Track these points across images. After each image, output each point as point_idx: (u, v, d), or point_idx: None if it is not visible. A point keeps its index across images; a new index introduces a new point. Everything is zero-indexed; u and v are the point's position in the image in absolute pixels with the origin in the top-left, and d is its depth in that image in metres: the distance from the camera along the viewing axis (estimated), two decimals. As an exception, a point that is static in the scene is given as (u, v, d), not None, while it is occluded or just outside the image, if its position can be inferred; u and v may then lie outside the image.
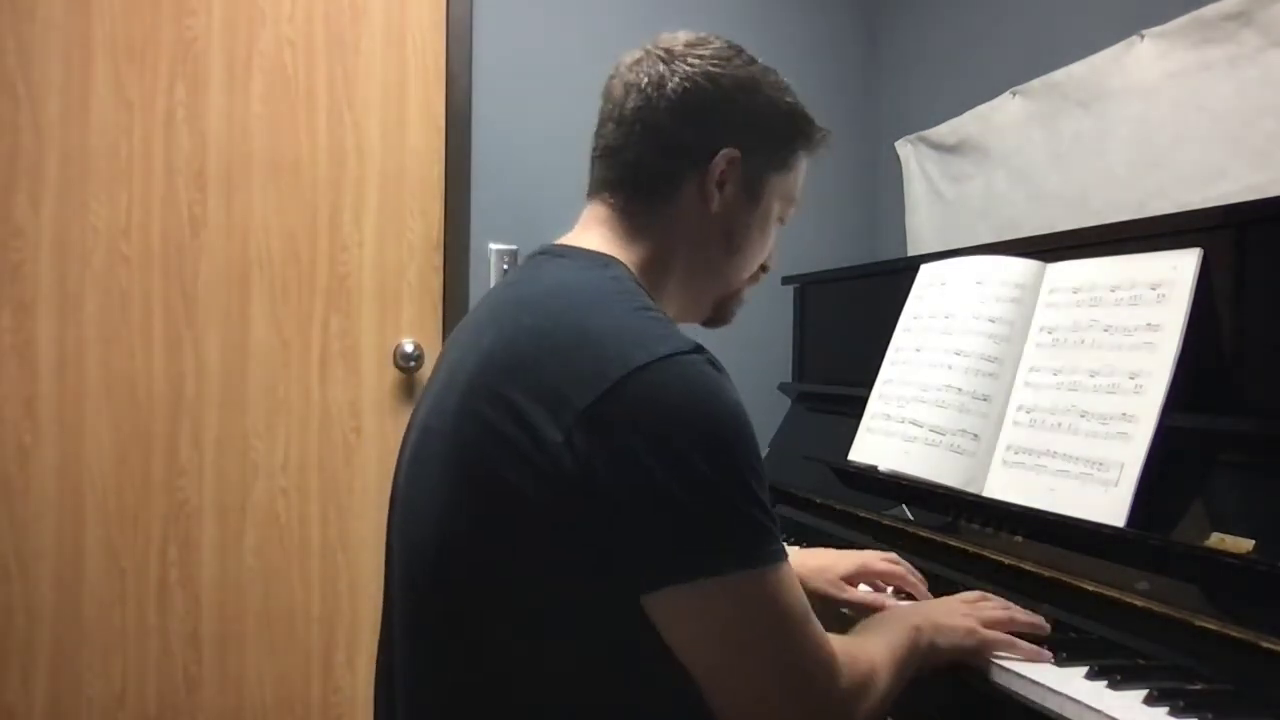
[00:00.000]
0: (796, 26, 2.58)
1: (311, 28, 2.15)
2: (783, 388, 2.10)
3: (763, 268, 1.05)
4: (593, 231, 0.95)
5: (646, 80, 0.93)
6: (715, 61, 0.95)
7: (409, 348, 2.18)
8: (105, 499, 2.03)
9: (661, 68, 0.93)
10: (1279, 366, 1.04)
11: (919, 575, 1.22)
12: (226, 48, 2.10)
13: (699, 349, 0.80)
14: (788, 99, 0.99)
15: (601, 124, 0.98)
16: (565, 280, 0.87)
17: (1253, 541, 0.92)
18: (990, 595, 1.07)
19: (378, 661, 0.97)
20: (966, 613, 1.00)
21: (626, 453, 0.74)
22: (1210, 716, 0.79)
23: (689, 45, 0.96)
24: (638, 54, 0.97)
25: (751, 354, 2.43)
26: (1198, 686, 0.87)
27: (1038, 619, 1.02)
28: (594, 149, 0.98)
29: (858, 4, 2.65)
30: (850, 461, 1.52)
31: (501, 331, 0.84)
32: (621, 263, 0.91)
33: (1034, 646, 0.97)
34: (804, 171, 1.03)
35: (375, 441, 2.19)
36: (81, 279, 2.02)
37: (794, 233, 2.54)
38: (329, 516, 2.17)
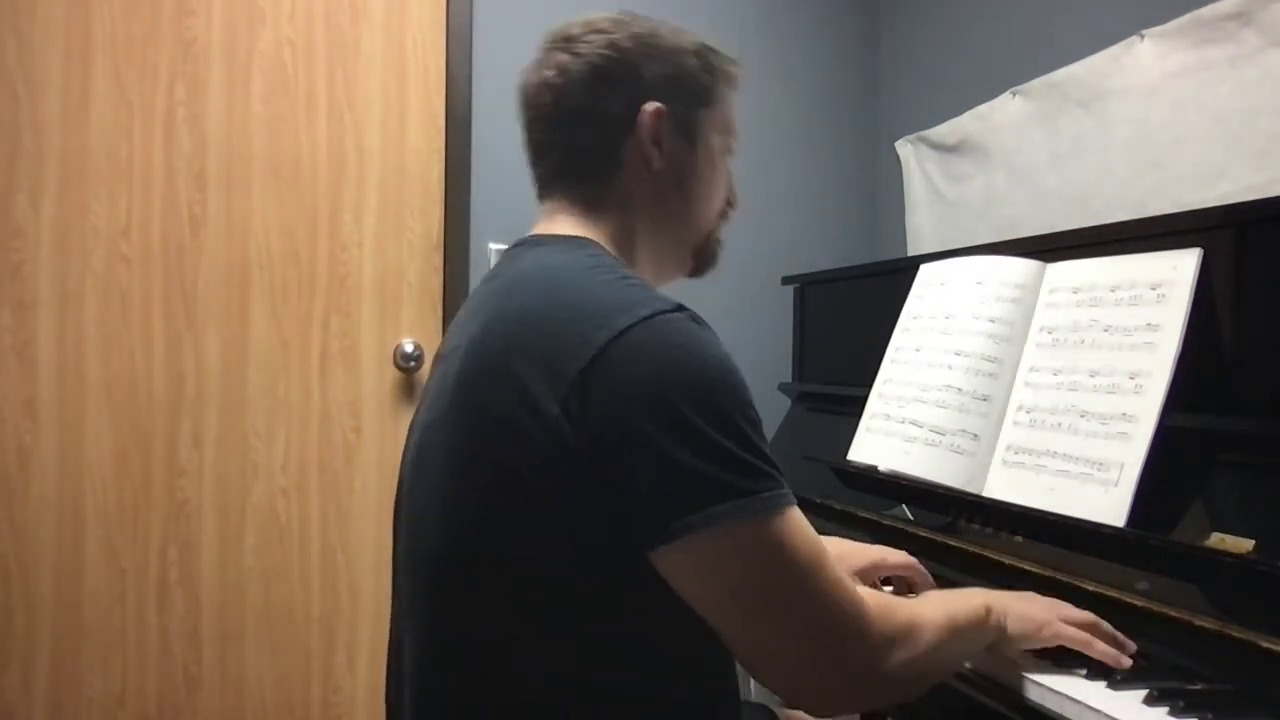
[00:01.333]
0: (797, 27, 2.58)
1: (311, 28, 2.15)
2: (783, 388, 2.10)
3: (729, 204, 1.07)
4: (556, 222, 0.97)
5: (554, 73, 0.96)
6: (611, 30, 0.96)
7: (409, 348, 2.18)
8: (105, 499, 2.03)
9: (562, 56, 0.96)
10: (1279, 366, 1.04)
11: (929, 577, 1.21)
12: (226, 48, 2.10)
13: (681, 307, 0.81)
14: (690, 39, 0.99)
15: (527, 130, 1.00)
16: (543, 262, 0.90)
17: (1253, 541, 0.92)
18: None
19: (388, 665, 0.98)
20: (1049, 607, 0.98)
21: (619, 414, 0.75)
22: (1210, 716, 0.79)
23: (583, 26, 0.98)
24: (538, 55, 0.99)
25: (751, 354, 2.43)
26: (1198, 686, 0.87)
27: (1125, 643, 0.96)
28: (528, 156, 1.01)
29: (858, 4, 2.65)
30: (850, 461, 1.52)
31: (488, 319, 0.86)
32: (593, 241, 0.93)
33: (1113, 650, 0.93)
34: (732, 102, 1.03)
35: (375, 441, 2.19)
36: (81, 279, 2.02)
37: (794, 233, 2.57)
38: (329, 516, 2.17)
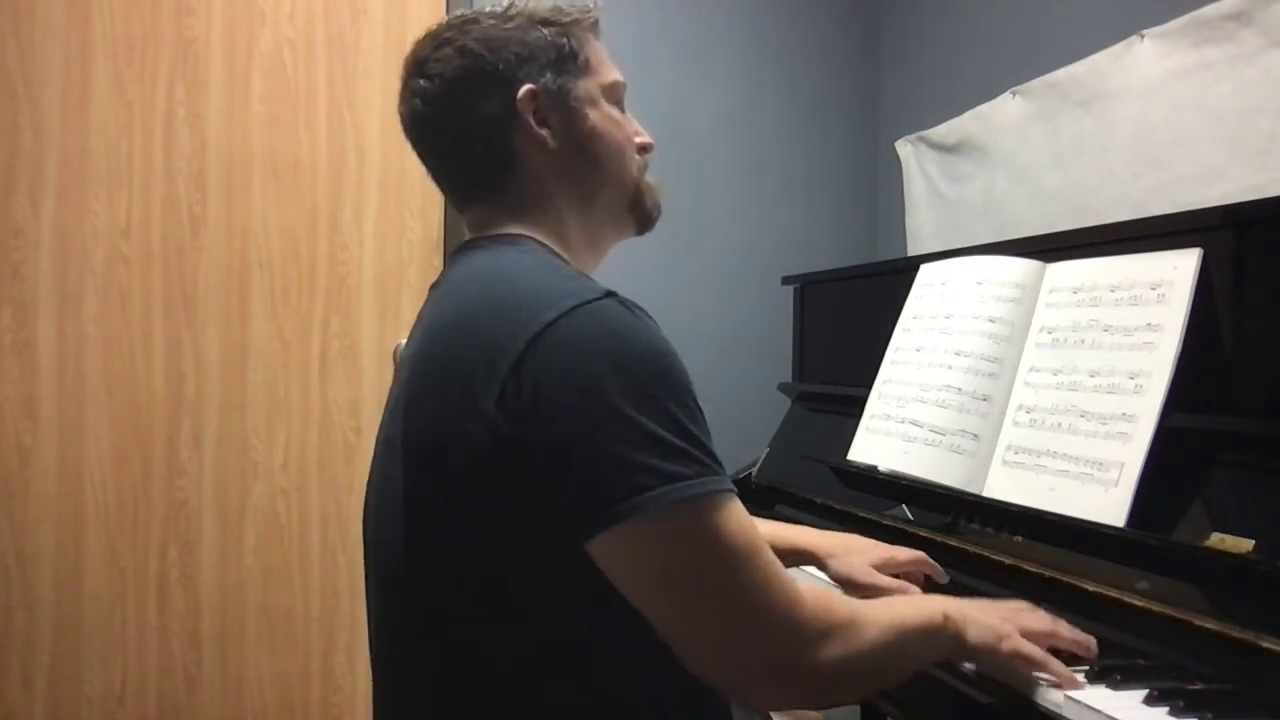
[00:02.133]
0: (797, 27, 2.58)
1: (311, 28, 2.15)
2: (783, 388, 2.09)
3: (642, 148, 1.04)
4: (488, 227, 0.97)
5: (418, 99, 0.97)
6: (454, 39, 0.96)
7: (409, 348, 2.18)
8: (105, 499, 2.03)
9: (421, 82, 0.97)
10: (1279, 366, 1.04)
11: (940, 570, 1.20)
12: (226, 48, 2.10)
13: (610, 294, 0.81)
14: (529, 17, 0.98)
15: (423, 160, 1.01)
16: (476, 266, 0.91)
17: (1253, 541, 0.92)
18: (1039, 609, 0.98)
19: (371, 669, 1.00)
20: (1007, 617, 0.92)
21: (550, 405, 0.75)
22: (1210, 716, 0.79)
23: (427, 43, 0.99)
24: (399, 87, 1.00)
25: (751, 354, 2.44)
26: (1198, 686, 0.87)
27: (1085, 638, 0.93)
28: (434, 180, 1.02)
29: (858, 4, 2.65)
30: (850, 461, 1.52)
31: (429, 328, 0.89)
32: (526, 236, 0.94)
33: (1067, 671, 0.88)
34: (597, 48, 1.02)
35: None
36: (81, 279, 2.02)
37: (794, 233, 2.57)
38: (329, 516, 2.17)
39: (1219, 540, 0.95)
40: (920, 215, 2.41)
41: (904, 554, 1.20)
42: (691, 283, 2.46)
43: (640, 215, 1.04)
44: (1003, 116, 2.09)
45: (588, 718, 0.83)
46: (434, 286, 0.99)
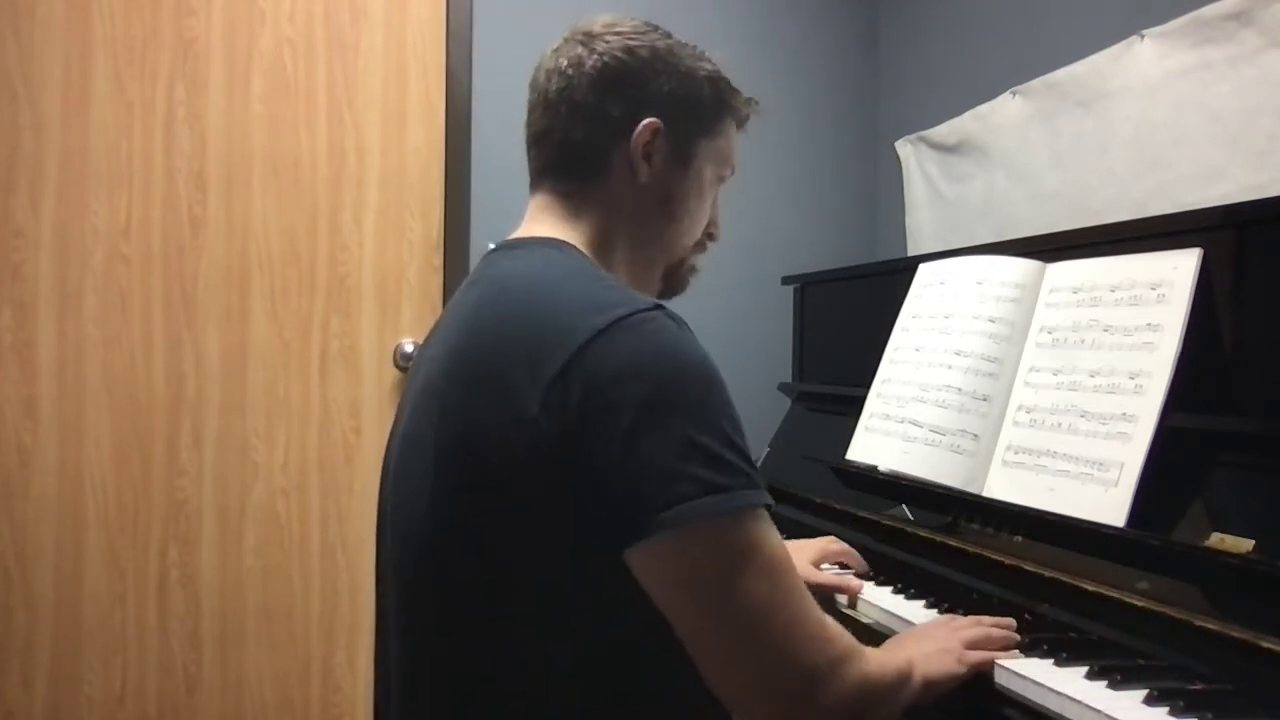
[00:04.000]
0: (797, 27, 2.58)
1: (311, 28, 2.15)
2: (783, 388, 2.10)
3: (709, 235, 1.06)
4: (539, 221, 0.97)
5: (566, 63, 0.96)
6: (632, 36, 0.96)
7: (409, 348, 2.18)
8: (105, 499, 2.03)
9: (580, 49, 0.96)
10: (1279, 366, 1.04)
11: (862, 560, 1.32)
12: (226, 48, 2.10)
13: (659, 306, 0.82)
14: (707, 66, 1.00)
15: (530, 113, 1.00)
16: (518, 269, 0.90)
17: (1253, 541, 0.92)
18: (957, 616, 1.05)
19: (375, 672, 0.99)
20: (949, 634, 0.98)
21: (596, 414, 0.76)
22: (1210, 716, 0.79)
23: (606, 26, 0.98)
24: (558, 43, 0.99)
25: (751, 354, 2.44)
26: (1198, 686, 0.87)
27: (1005, 620, 1.02)
28: (526, 139, 1.01)
29: (858, 4, 2.65)
30: (850, 461, 1.52)
31: (467, 328, 0.87)
32: (571, 244, 0.93)
33: (1007, 640, 0.98)
34: (735, 137, 1.04)
35: (375, 441, 2.19)
36: (81, 279, 2.02)
37: (794, 233, 2.57)
38: (329, 516, 2.17)
39: (1219, 540, 0.95)
40: (920, 215, 2.41)
41: (834, 545, 1.32)
42: (691, 283, 2.46)
43: (670, 284, 1.06)
44: (1003, 116, 2.09)
45: None
46: (467, 285, 0.97)
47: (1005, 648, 0.98)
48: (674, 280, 1.06)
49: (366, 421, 2.18)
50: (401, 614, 0.90)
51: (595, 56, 0.94)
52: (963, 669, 0.94)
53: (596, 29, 0.97)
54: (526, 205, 1.01)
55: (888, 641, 1.01)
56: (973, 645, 0.97)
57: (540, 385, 0.77)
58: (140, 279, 2.05)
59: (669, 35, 1.00)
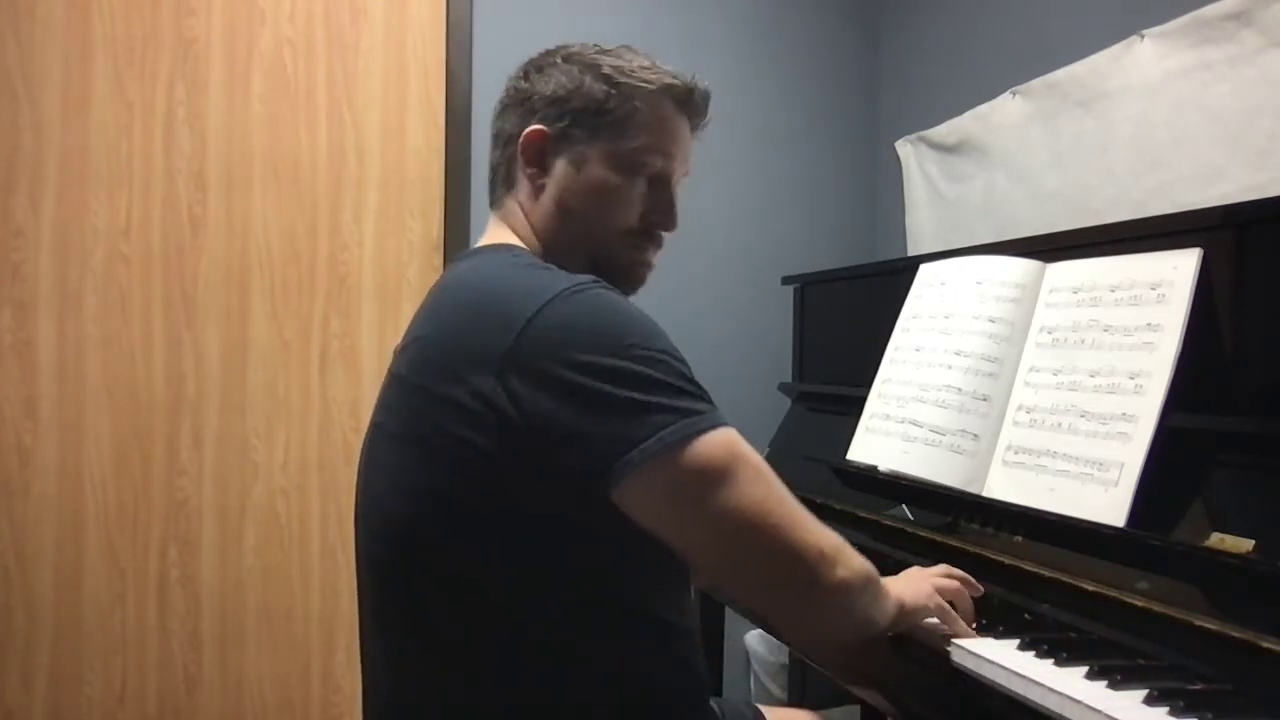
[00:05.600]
0: (797, 27, 2.58)
1: (311, 28, 2.15)
2: (783, 388, 2.09)
3: (656, 225, 1.03)
4: (489, 234, 1.06)
5: (503, 93, 1.06)
6: (535, 60, 1.04)
7: (409, 348, 2.18)
8: (105, 499, 2.03)
9: (509, 79, 1.06)
10: (1279, 366, 1.04)
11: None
12: (226, 48, 2.10)
13: (596, 281, 0.88)
14: (600, 64, 1.00)
15: None
16: (472, 265, 0.98)
17: (1253, 541, 0.92)
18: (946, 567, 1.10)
19: (361, 663, 1.04)
20: (923, 576, 1.05)
21: (547, 378, 0.81)
22: (1210, 716, 0.79)
23: (541, 51, 1.05)
24: None
25: (751, 354, 2.44)
26: (1198, 686, 0.87)
27: (974, 585, 1.07)
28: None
29: (858, 5, 2.65)
30: (850, 461, 1.52)
31: (427, 323, 0.94)
32: (518, 245, 1.01)
33: (966, 628, 1.02)
34: (656, 123, 1.00)
35: (375, 441, 2.19)
36: (81, 279, 2.02)
37: (794, 233, 2.57)
38: (329, 516, 2.17)
39: (1219, 540, 0.95)
40: (920, 215, 2.41)
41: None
42: (691, 283, 2.46)
43: (610, 279, 0.99)
44: (1003, 116, 2.09)
45: (565, 702, 0.86)
46: (433, 288, 1.03)
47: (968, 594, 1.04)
48: (611, 274, 1.00)
49: (366, 421, 2.17)
50: (372, 595, 0.98)
51: (508, 83, 1.05)
52: (933, 603, 1.01)
53: (533, 56, 1.05)
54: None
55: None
56: (945, 593, 1.03)
57: (493, 361, 0.82)
58: (140, 279, 2.05)
59: (593, 47, 1.03)
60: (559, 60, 1.01)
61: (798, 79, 2.59)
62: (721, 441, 0.83)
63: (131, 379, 2.05)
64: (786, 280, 2.15)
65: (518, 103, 1.02)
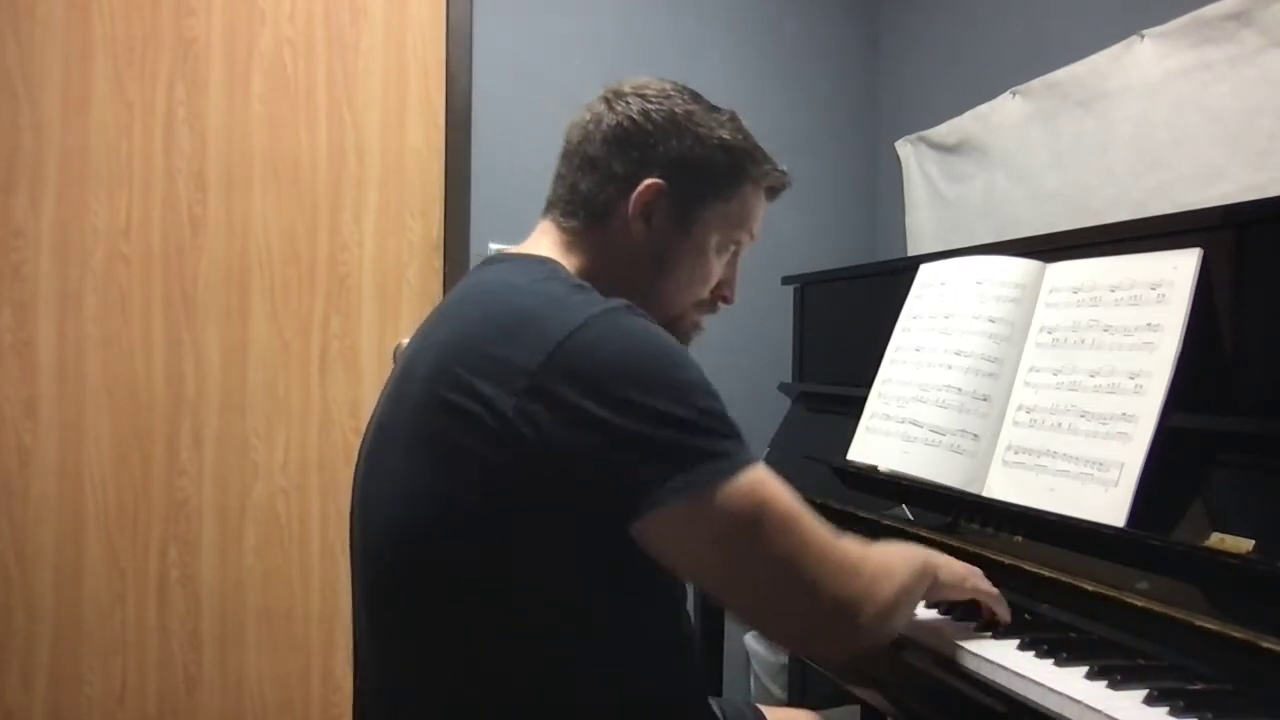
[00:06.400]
0: (797, 28, 2.58)
1: (311, 28, 2.15)
2: (783, 388, 2.09)
3: (722, 298, 1.08)
4: (537, 243, 1.03)
5: (589, 117, 1.03)
6: (652, 100, 1.01)
7: (409, 348, 2.18)
8: (105, 499, 2.03)
9: (603, 108, 1.02)
10: (1279, 366, 1.04)
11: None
12: (226, 48, 2.10)
13: (629, 306, 0.86)
14: (723, 135, 1.02)
15: (560, 164, 1.06)
16: (505, 276, 0.95)
17: (1253, 541, 0.92)
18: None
19: (354, 662, 1.01)
20: (967, 566, 1.06)
21: (572, 407, 0.79)
22: (1210, 716, 0.79)
23: (634, 88, 1.03)
24: (594, 100, 1.05)
25: (751, 354, 2.44)
26: (1198, 686, 0.87)
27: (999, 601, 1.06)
28: (554, 184, 1.07)
29: (858, 4, 2.65)
30: (850, 461, 1.52)
31: (451, 326, 0.91)
32: (560, 264, 0.98)
33: (1007, 613, 1.04)
34: (754, 204, 1.05)
35: (375, 441, 2.19)
36: (81, 279, 2.02)
37: (794, 233, 2.57)
38: (329, 516, 2.17)
39: (1219, 540, 0.95)
40: (920, 215, 2.41)
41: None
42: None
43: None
44: (1003, 116, 2.09)
45: (562, 707, 0.85)
46: (458, 287, 1.01)
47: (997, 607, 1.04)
48: (672, 333, 1.05)
49: (366, 421, 2.18)
50: (370, 606, 0.96)
51: (612, 116, 1.00)
52: (967, 584, 1.02)
53: (625, 89, 1.02)
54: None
55: (908, 545, 1.03)
56: (979, 592, 1.04)
57: (518, 381, 0.80)
58: (140, 279, 2.05)
59: (697, 98, 1.03)
60: (676, 111, 1.00)
61: (798, 79, 2.59)
62: (748, 488, 0.81)
63: (131, 379, 2.05)
64: (786, 280, 2.15)
65: (636, 145, 0.99)
